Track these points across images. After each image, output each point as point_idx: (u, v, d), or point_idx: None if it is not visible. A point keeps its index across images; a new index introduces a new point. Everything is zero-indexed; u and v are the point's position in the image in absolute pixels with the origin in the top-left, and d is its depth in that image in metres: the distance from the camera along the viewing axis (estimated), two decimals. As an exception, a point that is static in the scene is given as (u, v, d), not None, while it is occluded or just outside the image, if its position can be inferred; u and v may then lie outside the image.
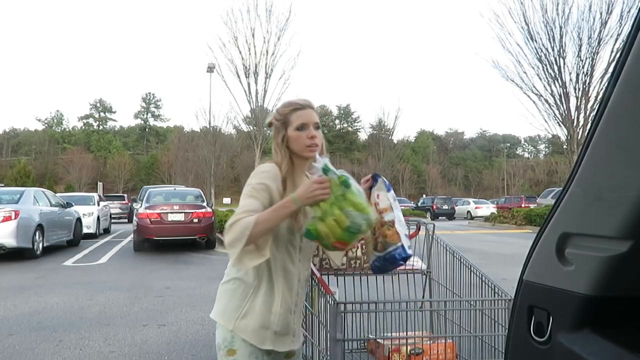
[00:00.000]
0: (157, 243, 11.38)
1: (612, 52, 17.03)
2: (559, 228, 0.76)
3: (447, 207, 33.09)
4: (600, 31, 17.24)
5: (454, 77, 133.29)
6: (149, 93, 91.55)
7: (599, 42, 17.42)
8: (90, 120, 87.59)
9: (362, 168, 58.92)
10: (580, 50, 17.81)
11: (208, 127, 30.68)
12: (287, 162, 1.63)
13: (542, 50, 18.21)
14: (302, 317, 1.74)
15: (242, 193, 1.63)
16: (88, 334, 4.50)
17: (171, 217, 11.01)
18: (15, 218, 9.40)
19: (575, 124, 18.34)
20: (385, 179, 1.75)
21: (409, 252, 1.63)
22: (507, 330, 0.88)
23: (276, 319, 1.58)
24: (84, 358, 3.88)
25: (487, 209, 30.53)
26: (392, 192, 1.74)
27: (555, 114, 18.77)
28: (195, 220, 11.14)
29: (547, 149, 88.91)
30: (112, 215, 19.67)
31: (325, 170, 1.46)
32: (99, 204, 16.12)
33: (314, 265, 2.12)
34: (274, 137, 1.70)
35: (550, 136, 30.72)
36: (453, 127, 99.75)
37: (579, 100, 18.26)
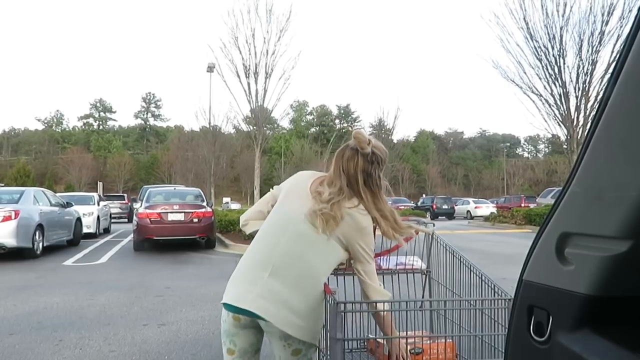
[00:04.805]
0: (157, 243, 11.38)
1: (612, 52, 17.05)
2: (559, 228, 0.76)
3: (446, 207, 33.09)
4: (601, 30, 17.23)
5: (453, 76, 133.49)
6: (149, 93, 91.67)
7: (599, 42, 17.42)
8: (90, 120, 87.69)
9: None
10: (580, 50, 17.81)
11: (208, 126, 30.67)
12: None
13: (542, 50, 18.22)
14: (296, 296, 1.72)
15: (367, 251, 1.80)
16: (88, 334, 4.50)
17: (171, 217, 11.01)
18: (15, 218, 9.40)
19: (575, 123, 18.32)
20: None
21: None
22: (507, 330, 0.88)
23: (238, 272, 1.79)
24: (84, 357, 3.88)
25: (486, 208, 30.52)
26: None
27: (555, 114, 18.77)
28: (195, 220, 11.14)
29: (546, 149, 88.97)
30: (112, 215, 19.67)
31: None
32: (98, 204, 16.13)
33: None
34: (367, 174, 1.76)
35: (550, 136, 30.71)
36: (453, 127, 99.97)
37: (579, 100, 18.25)
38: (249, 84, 20.53)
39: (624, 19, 16.35)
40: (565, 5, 17.65)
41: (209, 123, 29.53)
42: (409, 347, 1.85)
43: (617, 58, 0.66)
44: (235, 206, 39.70)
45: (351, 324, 1.85)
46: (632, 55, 0.63)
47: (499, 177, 77.23)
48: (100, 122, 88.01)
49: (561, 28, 17.79)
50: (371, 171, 1.75)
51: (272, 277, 1.70)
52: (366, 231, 1.77)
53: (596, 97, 17.66)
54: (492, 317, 1.88)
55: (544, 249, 0.79)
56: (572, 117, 18.31)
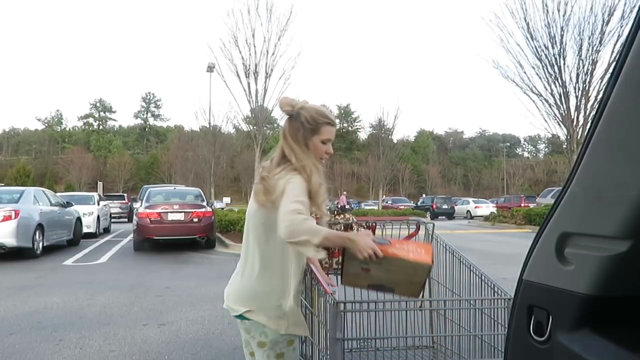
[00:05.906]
0: (157, 243, 11.38)
1: (612, 52, 17.03)
2: (559, 228, 0.76)
3: (446, 207, 33.08)
4: (601, 30, 17.22)
5: (454, 76, 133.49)
6: (149, 93, 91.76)
7: (600, 42, 17.41)
8: (90, 120, 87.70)
9: (362, 167, 58.98)
10: (580, 49, 17.79)
11: (208, 126, 30.66)
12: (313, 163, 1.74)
13: (542, 50, 18.20)
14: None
15: (290, 188, 1.63)
16: (88, 334, 4.50)
17: (171, 217, 11.00)
18: (15, 217, 9.39)
19: (575, 123, 18.31)
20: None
21: None
22: (507, 330, 0.88)
23: None
24: (84, 357, 3.88)
25: (486, 208, 30.52)
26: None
27: (555, 114, 18.75)
28: (195, 220, 11.13)
29: (546, 149, 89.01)
30: (112, 215, 19.66)
31: None
32: (98, 204, 16.12)
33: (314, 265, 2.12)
34: (291, 134, 1.76)
35: (550, 136, 30.72)
36: (453, 127, 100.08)
37: (579, 99, 18.24)
38: (249, 83, 20.51)
39: (624, 19, 16.34)
40: (566, 4, 17.65)
41: (209, 123, 29.51)
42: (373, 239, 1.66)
43: (617, 58, 0.66)
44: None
45: (351, 323, 1.85)
46: (632, 55, 0.63)
47: (499, 177, 77.25)
48: (100, 122, 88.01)
49: (562, 28, 17.78)
50: (294, 130, 1.77)
51: (239, 274, 1.85)
52: (287, 189, 1.65)
53: (596, 97, 17.65)
54: (492, 317, 1.88)
55: (544, 249, 0.79)
56: (572, 117, 18.29)
